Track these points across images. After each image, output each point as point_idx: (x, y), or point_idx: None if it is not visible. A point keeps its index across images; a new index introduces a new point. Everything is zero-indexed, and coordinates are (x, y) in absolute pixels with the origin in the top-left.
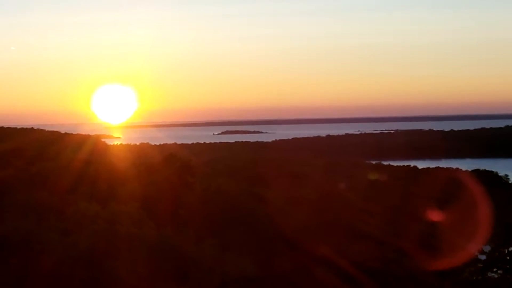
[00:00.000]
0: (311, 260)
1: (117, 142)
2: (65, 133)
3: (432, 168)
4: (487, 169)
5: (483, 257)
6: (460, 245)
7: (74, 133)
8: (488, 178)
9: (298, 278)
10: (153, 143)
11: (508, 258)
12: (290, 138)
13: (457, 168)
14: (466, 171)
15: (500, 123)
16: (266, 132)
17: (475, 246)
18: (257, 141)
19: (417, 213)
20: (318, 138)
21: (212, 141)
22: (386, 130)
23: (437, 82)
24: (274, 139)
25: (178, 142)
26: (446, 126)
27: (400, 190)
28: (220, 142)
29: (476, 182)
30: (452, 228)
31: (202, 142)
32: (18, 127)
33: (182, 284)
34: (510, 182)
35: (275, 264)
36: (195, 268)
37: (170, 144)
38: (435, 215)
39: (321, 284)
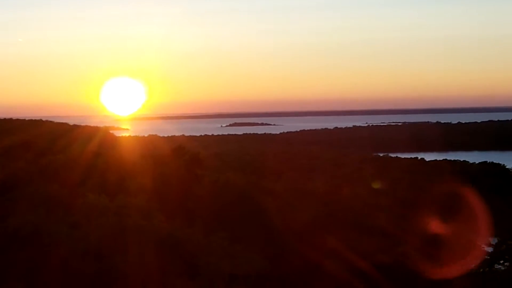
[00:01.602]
0: (320, 253)
1: (125, 134)
2: (74, 125)
3: (439, 160)
4: (494, 161)
5: (490, 250)
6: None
7: (83, 125)
8: (495, 171)
9: (308, 272)
10: (161, 135)
11: None
12: (298, 130)
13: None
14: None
15: (508, 116)
16: (274, 125)
17: (477, 256)
18: (265, 133)
19: (424, 209)
20: (326, 131)
21: (221, 133)
22: (394, 122)
23: (445, 75)
24: (282, 132)
25: (187, 134)
26: (454, 119)
27: (407, 184)
28: (229, 134)
29: (476, 193)
30: (455, 237)
31: (211, 134)
32: (27, 119)
33: (191, 278)
34: None
35: (284, 258)
36: (205, 261)
37: (178, 136)
38: (439, 224)
39: (331, 278)
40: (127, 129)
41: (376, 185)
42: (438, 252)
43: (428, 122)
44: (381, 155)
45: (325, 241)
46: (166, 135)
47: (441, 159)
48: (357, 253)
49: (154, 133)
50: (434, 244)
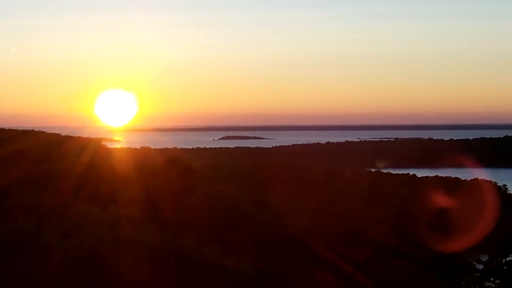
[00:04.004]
0: (312, 264)
1: (118, 146)
2: (66, 136)
3: (431, 176)
4: (486, 179)
5: (480, 267)
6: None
7: (75, 136)
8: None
9: (299, 281)
10: (154, 147)
11: (505, 268)
12: (290, 144)
13: (456, 178)
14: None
15: (500, 133)
16: (266, 138)
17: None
18: (257, 147)
19: (418, 218)
20: (318, 145)
21: (213, 146)
22: (385, 138)
23: (437, 92)
24: (274, 145)
25: (179, 147)
26: (446, 135)
27: (399, 196)
28: (221, 147)
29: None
30: (458, 215)
31: (203, 147)
32: (20, 129)
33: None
34: (508, 192)
35: (276, 268)
36: (196, 272)
37: (171, 148)
38: (441, 201)
39: (322, 287)
40: (120, 140)
41: (381, 165)
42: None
43: (420, 138)
44: (373, 170)
45: (317, 252)
46: (158, 147)
47: (432, 175)
48: (349, 264)
49: (146, 145)
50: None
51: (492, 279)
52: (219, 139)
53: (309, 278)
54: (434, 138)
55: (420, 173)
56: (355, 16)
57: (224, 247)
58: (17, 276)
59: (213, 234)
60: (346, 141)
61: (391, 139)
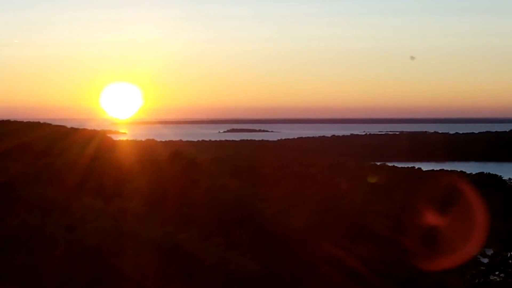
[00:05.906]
0: (315, 259)
1: (123, 138)
2: (72, 128)
3: (436, 170)
4: (491, 172)
5: (485, 260)
6: (459, 246)
7: (80, 128)
8: (492, 182)
9: (303, 276)
10: (159, 140)
11: (510, 261)
12: (296, 137)
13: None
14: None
15: (505, 127)
16: (272, 131)
17: (474, 247)
18: (262, 140)
19: (420, 214)
20: (323, 138)
21: (218, 139)
22: (391, 131)
23: (443, 86)
24: (279, 138)
25: (184, 139)
26: (451, 129)
27: (403, 191)
28: (226, 140)
29: (473, 188)
30: (452, 229)
31: (208, 139)
32: (25, 121)
33: (186, 282)
34: None
35: (279, 263)
36: (200, 266)
37: (175, 141)
38: (437, 217)
39: (326, 282)
40: (125, 133)
41: (372, 180)
42: (432, 256)
43: (425, 132)
44: (378, 163)
45: (321, 247)
46: (163, 140)
47: (438, 169)
48: (353, 259)
49: (151, 138)
50: (427, 248)
51: (497, 272)
52: (224, 131)
53: (313, 273)
54: (440, 131)
55: (426, 166)
56: (361, 10)
57: (227, 242)
58: (21, 269)
59: (217, 228)
60: (352, 134)
61: (397, 133)
